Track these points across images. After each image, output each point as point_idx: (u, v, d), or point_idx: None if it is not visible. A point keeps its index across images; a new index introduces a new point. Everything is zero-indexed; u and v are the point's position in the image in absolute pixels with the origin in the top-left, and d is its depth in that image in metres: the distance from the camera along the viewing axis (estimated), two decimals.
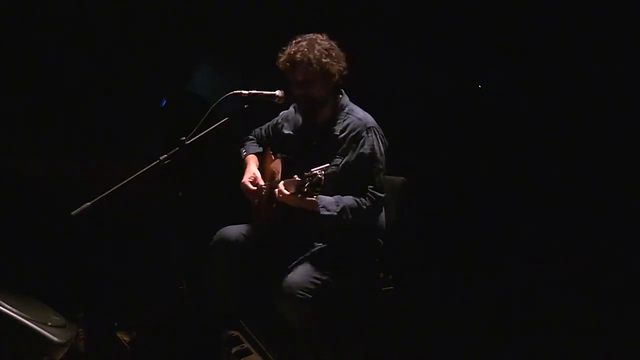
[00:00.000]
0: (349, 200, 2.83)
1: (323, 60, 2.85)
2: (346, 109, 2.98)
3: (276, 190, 2.81)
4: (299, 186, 2.66)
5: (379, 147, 2.91)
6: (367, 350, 3.28)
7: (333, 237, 2.92)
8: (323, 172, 2.61)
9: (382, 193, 2.95)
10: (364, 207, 2.83)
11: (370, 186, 2.88)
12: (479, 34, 4.52)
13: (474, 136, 4.64)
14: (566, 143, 4.44)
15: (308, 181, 2.61)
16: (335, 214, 2.80)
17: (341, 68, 2.92)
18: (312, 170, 2.62)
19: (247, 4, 4.49)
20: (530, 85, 4.52)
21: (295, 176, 2.73)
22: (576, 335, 3.56)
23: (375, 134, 2.91)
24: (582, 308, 3.83)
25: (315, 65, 2.85)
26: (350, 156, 2.89)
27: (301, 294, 2.71)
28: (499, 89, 4.64)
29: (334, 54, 2.90)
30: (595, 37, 4.25)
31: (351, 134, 2.91)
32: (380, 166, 2.92)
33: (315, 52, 2.85)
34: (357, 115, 2.95)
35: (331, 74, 2.88)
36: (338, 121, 2.96)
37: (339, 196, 2.83)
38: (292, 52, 2.88)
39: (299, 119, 3.10)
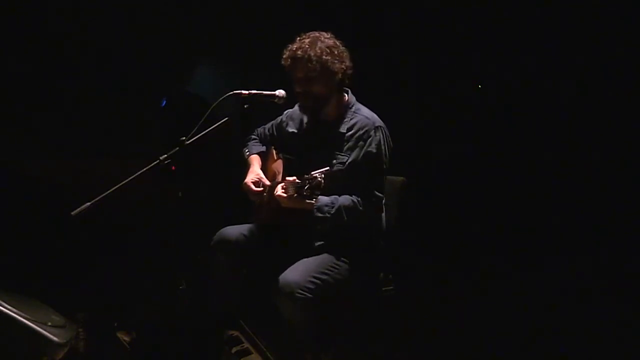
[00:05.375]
0: (345, 200, 2.82)
1: (324, 57, 2.85)
2: (353, 107, 2.98)
3: (275, 193, 2.81)
4: (298, 188, 2.66)
5: (385, 148, 2.91)
6: (367, 350, 3.28)
7: (333, 237, 2.92)
8: (323, 175, 2.60)
9: (382, 193, 2.95)
10: (361, 207, 2.83)
11: (372, 186, 2.88)
12: (479, 34, 4.52)
13: (474, 136, 4.64)
14: (567, 143, 4.44)
15: (308, 184, 2.61)
16: (329, 215, 2.80)
17: (344, 67, 2.91)
18: (312, 173, 2.62)
19: (247, 4, 4.50)
20: (530, 85, 4.52)
21: (294, 178, 2.73)
22: (576, 335, 3.56)
23: (383, 134, 2.91)
24: (582, 308, 3.83)
25: (315, 63, 2.84)
26: (357, 154, 2.88)
27: (301, 293, 2.71)
28: (499, 89, 4.65)
29: (336, 52, 2.89)
30: (596, 37, 4.26)
31: (359, 132, 2.90)
32: (385, 166, 2.93)
33: (317, 49, 2.85)
34: (364, 114, 2.95)
35: (332, 71, 2.88)
36: (345, 119, 2.95)
37: (336, 196, 2.83)
38: (293, 49, 2.88)
39: (304, 117, 3.10)
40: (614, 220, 4.28)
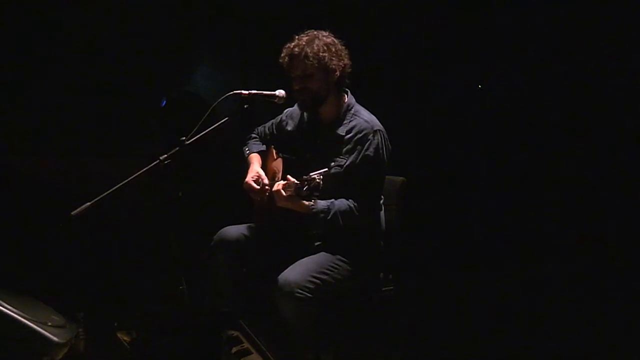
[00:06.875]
0: (341, 205, 2.83)
1: (321, 54, 2.85)
2: (352, 109, 2.98)
3: (274, 190, 2.82)
4: (298, 189, 2.66)
5: (384, 151, 2.90)
6: (367, 350, 3.28)
7: (333, 237, 2.92)
8: (321, 176, 2.61)
9: (380, 198, 2.96)
10: (357, 212, 2.83)
11: (369, 190, 2.89)
12: (479, 34, 4.53)
13: (474, 136, 4.64)
14: (567, 143, 4.44)
15: (307, 185, 2.61)
16: (324, 222, 2.81)
17: (342, 64, 2.91)
18: (311, 174, 2.62)
19: (247, 4, 4.50)
20: (530, 85, 4.53)
21: (290, 177, 2.73)
22: (575, 336, 3.56)
23: (382, 138, 2.90)
24: (582, 308, 3.83)
25: (312, 59, 2.84)
26: (355, 158, 2.88)
27: (300, 293, 2.71)
28: (499, 89, 4.65)
29: (334, 50, 2.89)
30: (597, 37, 4.26)
31: (357, 136, 2.89)
32: (383, 170, 2.93)
33: (314, 46, 2.85)
34: (363, 117, 2.94)
35: (330, 68, 2.88)
36: (344, 121, 2.95)
37: (333, 201, 2.83)
38: (291, 47, 2.89)
39: (304, 117, 3.10)
40: (614, 220, 4.28)
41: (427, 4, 4.53)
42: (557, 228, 4.38)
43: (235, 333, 3.28)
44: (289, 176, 2.77)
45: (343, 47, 2.95)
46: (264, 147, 3.23)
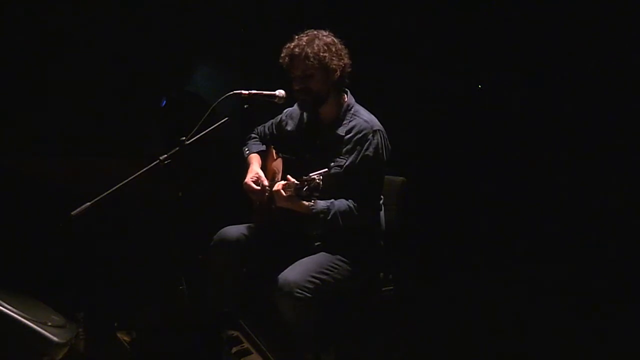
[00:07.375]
0: (341, 205, 2.83)
1: (321, 54, 2.85)
2: (352, 109, 2.98)
3: (274, 190, 2.82)
4: (297, 189, 2.67)
5: (383, 151, 2.91)
6: (367, 350, 3.28)
7: (333, 237, 2.92)
8: (321, 177, 2.61)
9: (380, 198, 2.96)
10: (357, 212, 2.84)
11: (369, 190, 2.89)
12: (479, 34, 4.52)
13: (474, 136, 4.64)
14: (567, 143, 4.44)
15: (306, 185, 2.62)
16: (324, 222, 2.82)
17: (342, 64, 2.92)
18: (311, 175, 2.63)
19: (247, 4, 4.50)
20: (530, 85, 4.53)
21: (290, 177, 2.73)
22: (575, 336, 3.56)
23: (381, 138, 2.90)
24: (581, 309, 3.83)
25: (312, 60, 2.84)
26: (355, 158, 2.88)
27: (300, 293, 2.71)
28: (499, 89, 4.64)
29: (334, 49, 2.90)
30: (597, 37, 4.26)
31: (357, 136, 2.90)
32: (382, 170, 2.93)
33: (314, 46, 2.86)
34: (363, 117, 2.95)
35: (331, 68, 2.88)
36: (344, 122, 2.96)
37: (332, 201, 2.83)
38: (291, 47, 2.90)
39: (304, 116, 3.10)
40: (613, 221, 4.28)
41: (427, 4, 4.52)
42: (557, 228, 4.38)
43: (235, 333, 3.28)
44: (288, 176, 2.78)
45: (343, 47, 2.95)
46: (263, 147, 3.23)
